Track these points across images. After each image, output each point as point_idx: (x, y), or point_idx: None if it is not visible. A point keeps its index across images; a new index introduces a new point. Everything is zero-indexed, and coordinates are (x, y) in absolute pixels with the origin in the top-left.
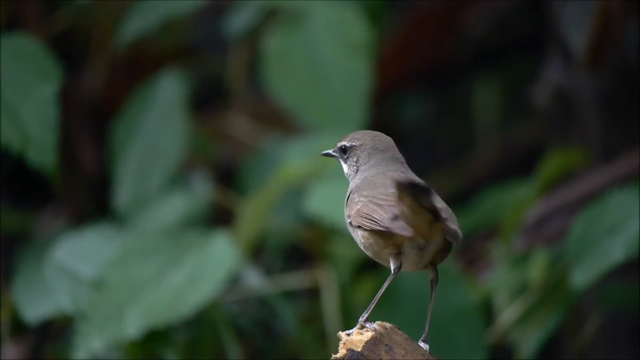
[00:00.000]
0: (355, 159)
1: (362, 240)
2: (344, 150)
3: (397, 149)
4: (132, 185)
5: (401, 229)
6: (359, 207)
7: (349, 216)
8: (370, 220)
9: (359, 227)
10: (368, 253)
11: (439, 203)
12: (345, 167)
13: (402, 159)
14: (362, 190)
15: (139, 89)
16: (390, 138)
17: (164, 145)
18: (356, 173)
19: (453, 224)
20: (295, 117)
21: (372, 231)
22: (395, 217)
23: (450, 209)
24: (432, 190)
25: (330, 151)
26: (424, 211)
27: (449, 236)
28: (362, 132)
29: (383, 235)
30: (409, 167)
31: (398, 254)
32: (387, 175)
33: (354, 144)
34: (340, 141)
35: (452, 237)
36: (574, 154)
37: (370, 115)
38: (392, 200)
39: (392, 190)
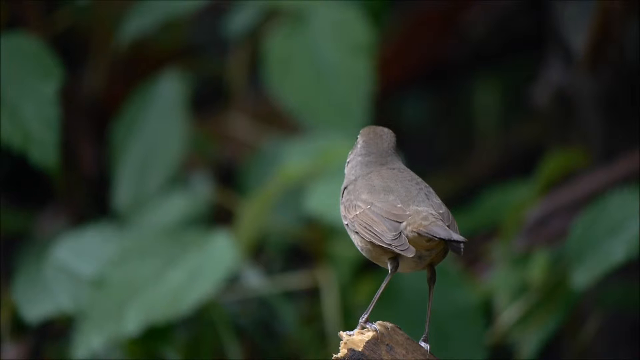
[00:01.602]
0: (354, 151)
1: (360, 245)
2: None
3: (393, 143)
4: (132, 185)
5: (403, 248)
6: (357, 213)
7: (345, 217)
8: (371, 232)
9: (357, 232)
10: (364, 254)
11: (440, 208)
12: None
13: (395, 154)
14: (359, 192)
15: (139, 89)
16: (392, 132)
17: (163, 145)
18: (347, 164)
19: (455, 234)
20: (298, 118)
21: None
22: (398, 235)
23: (449, 213)
24: (441, 204)
25: None
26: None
27: (452, 250)
28: (369, 126)
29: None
30: (409, 167)
31: (396, 258)
32: (383, 175)
33: (357, 136)
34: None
35: (456, 251)
36: (574, 154)
37: (372, 115)
38: (394, 213)
39: (392, 197)
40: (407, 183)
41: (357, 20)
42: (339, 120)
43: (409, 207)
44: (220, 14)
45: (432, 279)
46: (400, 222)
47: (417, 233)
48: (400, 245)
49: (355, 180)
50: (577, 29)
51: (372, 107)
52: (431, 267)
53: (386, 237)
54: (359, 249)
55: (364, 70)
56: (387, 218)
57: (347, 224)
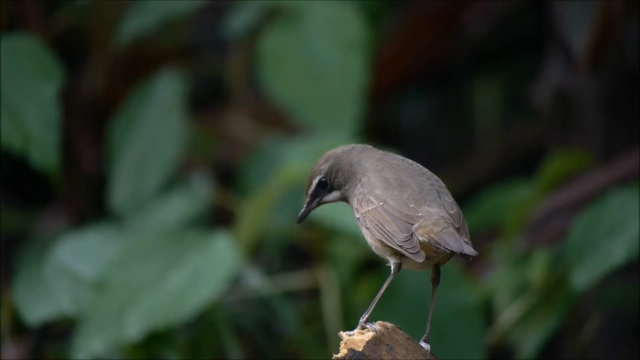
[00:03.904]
0: (340, 179)
1: (370, 240)
2: (324, 184)
3: (358, 145)
4: (129, 184)
5: (413, 251)
6: (369, 209)
7: (357, 210)
8: (382, 231)
9: (368, 228)
10: (372, 249)
11: (451, 208)
12: (336, 194)
13: (370, 147)
14: (373, 186)
15: (137, 88)
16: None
17: (161, 144)
18: (347, 184)
19: (467, 247)
20: (291, 115)
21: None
22: (409, 237)
23: (460, 213)
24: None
25: (306, 206)
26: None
27: (463, 257)
28: (320, 159)
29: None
30: None
31: (401, 258)
32: (394, 166)
33: (325, 169)
34: (310, 185)
35: (465, 258)
36: (577, 155)
37: (365, 112)
38: (406, 214)
39: (406, 195)
40: (419, 178)
41: (351, 18)
42: (333, 116)
43: (421, 207)
44: (220, 14)
45: (436, 280)
46: (412, 224)
47: (428, 240)
48: (411, 248)
49: (365, 172)
50: (578, 29)
51: (366, 103)
52: (436, 267)
53: (397, 238)
54: (368, 243)
55: (358, 66)
56: (399, 218)
57: (358, 218)
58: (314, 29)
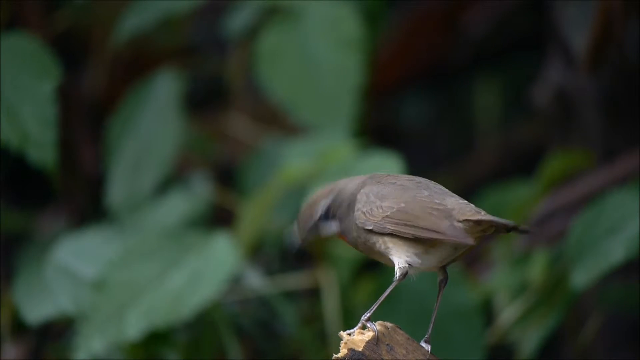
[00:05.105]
0: (339, 212)
1: (387, 246)
2: (326, 214)
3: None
4: (126, 183)
5: (462, 236)
6: (388, 213)
7: (364, 222)
8: (415, 228)
9: (389, 234)
10: (376, 257)
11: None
12: (335, 225)
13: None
14: (381, 194)
15: (135, 88)
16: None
17: (158, 143)
18: (346, 218)
19: (516, 224)
20: (287, 113)
21: (409, 238)
22: (451, 225)
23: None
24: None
25: (298, 238)
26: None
27: (521, 232)
28: (324, 189)
29: (418, 240)
30: (409, 167)
31: (423, 253)
32: (396, 178)
33: (329, 200)
34: (313, 210)
35: (524, 232)
36: (577, 155)
37: (362, 111)
38: (435, 208)
39: (427, 192)
40: (425, 181)
41: (348, 16)
42: (329, 115)
43: (445, 200)
44: (219, 14)
45: (444, 281)
46: (446, 214)
47: (475, 222)
48: (458, 234)
49: (363, 185)
50: (578, 29)
51: (363, 103)
52: (444, 269)
53: (442, 225)
54: (381, 251)
55: (355, 66)
56: (431, 214)
57: (371, 229)
58: (311, 27)
